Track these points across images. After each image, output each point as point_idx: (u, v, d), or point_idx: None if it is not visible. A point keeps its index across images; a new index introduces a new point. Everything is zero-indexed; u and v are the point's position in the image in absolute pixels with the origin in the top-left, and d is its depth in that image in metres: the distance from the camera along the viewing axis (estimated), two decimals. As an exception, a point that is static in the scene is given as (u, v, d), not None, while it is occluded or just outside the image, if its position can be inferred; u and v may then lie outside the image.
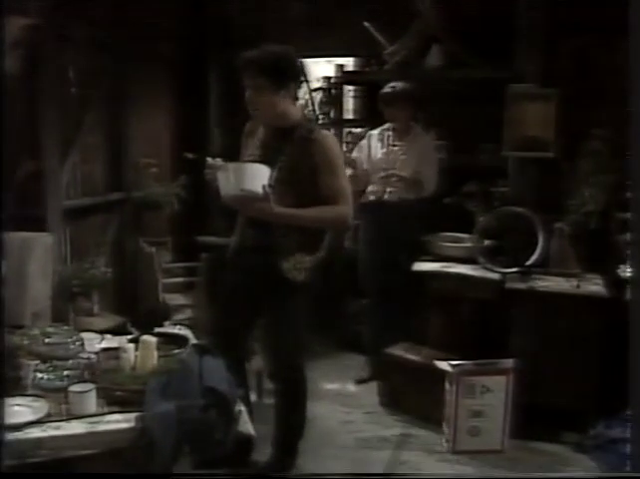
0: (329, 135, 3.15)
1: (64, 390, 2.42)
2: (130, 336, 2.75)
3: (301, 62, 3.12)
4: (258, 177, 2.86)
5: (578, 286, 3.71)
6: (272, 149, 3.07)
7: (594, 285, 3.75)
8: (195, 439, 2.41)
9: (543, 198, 4.08)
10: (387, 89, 4.35)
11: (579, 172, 4.05)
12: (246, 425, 2.57)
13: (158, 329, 2.87)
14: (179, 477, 2.54)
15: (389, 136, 4.45)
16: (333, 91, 5.07)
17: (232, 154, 3.50)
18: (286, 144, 3.04)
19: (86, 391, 2.36)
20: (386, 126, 4.46)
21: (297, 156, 3.01)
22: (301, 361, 3.29)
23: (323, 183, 3.00)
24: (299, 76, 3.09)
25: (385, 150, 4.42)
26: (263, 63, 2.95)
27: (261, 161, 3.00)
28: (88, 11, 4.21)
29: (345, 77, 5.01)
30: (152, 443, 2.28)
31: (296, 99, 3.18)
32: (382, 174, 4.36)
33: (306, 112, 5.07)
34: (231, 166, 2.91)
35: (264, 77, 2.95)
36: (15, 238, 3.72)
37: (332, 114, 5.07)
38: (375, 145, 4.47)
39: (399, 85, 4.34)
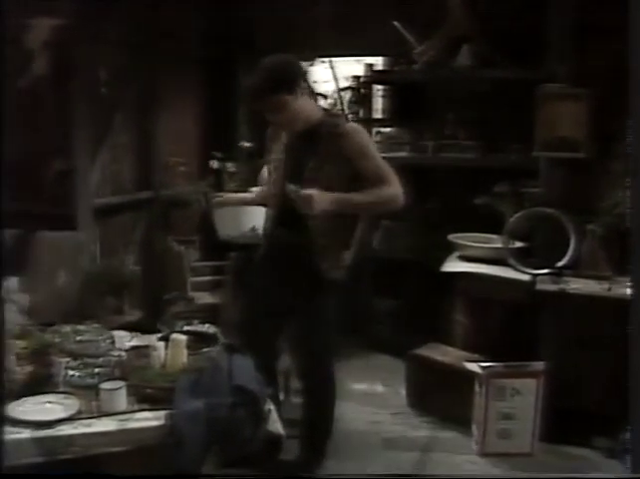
0: (355, 125, 3.12)
1: (94, 388, 2.44)
2: (160, 334, 2.75)
3: (296, 58, 3.09)
4: (253, 219, 2.98)
5: (609, 289, 3.66)
6: (298, 151, 3.07)
7: (626, 288, 3.70)
8: (224, 438, 2.41)
9: (575, 199, 4.03)
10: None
11: (611, 173, 4.00)
12: (275, 424, 2.57)
13: (187, 328, 2.86)
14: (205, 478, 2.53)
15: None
16: (362, 90, 5.04)
17: (261, 153, 3.52)
18: (313, 144, 3.03)
19: (116, 389, 2.38)
20: None
21: (327, 153, 3.00)
22: (331, 361, 3.29)
23: (363, 169, 2.98)
24: (302, 72, 3.06)
25: None
26: (265, 83, 2.94)
27: (289, 164, 3.05)
28: (118, 12, 4.24)
29: (374, 76, 4.99)
30: (181, 441, 2.29)
31: (313, 94, 3.15)
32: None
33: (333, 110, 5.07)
34: (227, 210, 3.07)
35: (271, 94, 2.93)
36: (46, 236, 3.75)
37: (361, 113, 5.05)
38: None
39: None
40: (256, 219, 2.98)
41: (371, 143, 3.16)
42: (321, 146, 3.01)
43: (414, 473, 3.42)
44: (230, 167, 4.95)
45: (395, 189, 2.99)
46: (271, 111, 2.99)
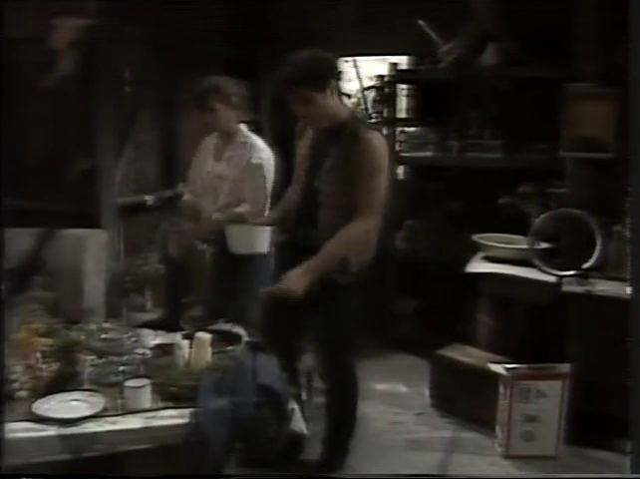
0: (377, 136, 3.08)
1: (119, 385, 2.44)
2: (184, 333, 2.76)
3: (334, 57, 3.08)
4: (263, 238, 3.13)
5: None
6: (321, 148, 3.06)
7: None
8: (248, 437, 2.41)
9: (601, 200, 3.99)
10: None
11: (638, 173, 3.94)
12: (299, 424, 2.56)
13: (211, 327, 2.86)
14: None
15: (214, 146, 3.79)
16: (386, 90, 5.02)
17: (284, 151, 3.51)
18: (334, 143, 3.01)
19: (141, 387, 2.38)
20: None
21: (344, 154, 2.98)
22: (351, 361, 3.28)
23: (359, 185, 2.94)
24: (337, 71, 3.05)
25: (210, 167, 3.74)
26: (298, 74, 2.91)
27: (311, 160, 3.06)
28: (142, 11, 4.25)
29: (399, 75, 4.96)
30: (204, 440, 2.28)
31: (341, 94, 3.13)
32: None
33: (358, 110, 5.06)
34: (241, 228, 3.19)
35: (303, 87, 2.91)
36: (70, 235, 3.78)
37: (385, 113, 5.02)
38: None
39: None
40: (264, 238, 3.11)
41: (383, 163, 3.03)
42: (340, 146, 2.99)
43: (437, 474, 3.41)
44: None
45: (367, 223, 2.96)
46: (298, 104, 2.97)
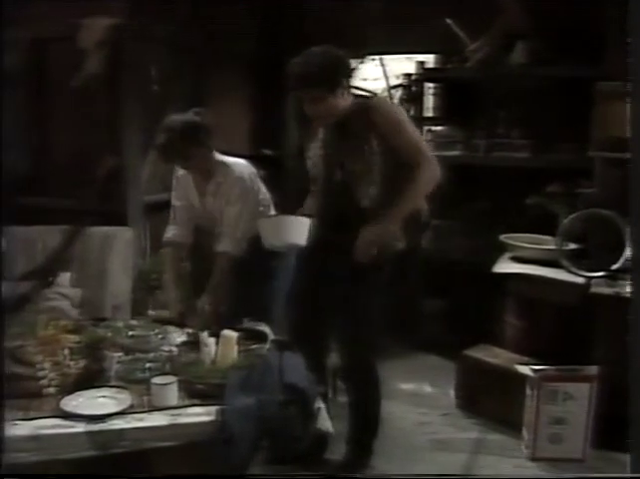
0: (382, 98, 3.08)
1: (146, 382, 2.45)
2: (210, 331, 2.76)
3: (345, 55, 3.02)
4: (301, 229, 2.92)
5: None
6: (335, 143, 3.04)
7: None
8: (274, 435, 2.41)
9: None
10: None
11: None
12: (325, 422, 2.55)
13: (238, 325, 2.86)
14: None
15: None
16: (413, 88, 5.00)
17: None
18: (347, 130, 2.99)
19: (168, 384, 2.39)
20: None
21: (360, 133, 2.96)
22: (373, 362, 3.26)
23: (397, 146, 2.94)
24: (348, 70, 3.02)
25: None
26: (308, 75, 2.89)
27: (327, 160, 3.03)
28: (168, 10, 4.26)
29: (426, 74, 4.94)
30: (231, 437, 2.29)
31: (352, 90, 3.10)
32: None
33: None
34: (273, 220, 3.07)
35: (314, 88, 2.90)
36: (96, 232, 3.80)
37: (412, 111, 5.00)
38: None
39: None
40: (301, 229, 2.95)
41: (402, 114, 3.08)
42: (354, 128, 2.97)
43: (462, 475, 3.39)
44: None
45: (431, 171, 2.96)
46: (309, 103, 2.95)
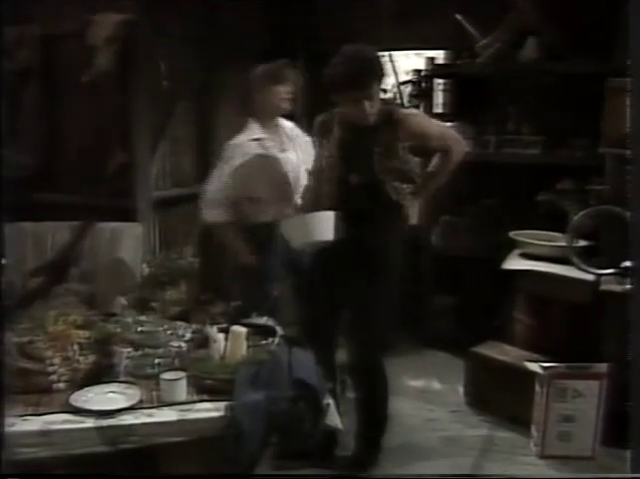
0: (409, 110, 3.13)
1: (155, 378, 2.45)
2: (219, 326, 2.76)
3: (379, 58, 3.04)
4: (326, 224, 2.92)
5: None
6: (355, 145, 3.05)
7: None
8: (283, 431, 2.41)
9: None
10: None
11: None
12: (334, 418, 2.55)
13: (247, 320, 2.86)
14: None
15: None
16: (423, 84, 4.99)
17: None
18: (371, 137, 3.00)
19: (177, 379, 2.39)
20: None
21: (387, 143, 2.99)
22: (381, 359, 3.27)
23: (429, 146, 3.11)
24: (382, 73, 3.02)
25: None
26: (357, 72, 2.89)
27: (345, 160, 3.04)
28: (180, 5, 4.26)
29: (435, 70, 4.93)
30: (240, 433, 2.29)
31: (378, 92, 3.12)
32: None
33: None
34: (298, 219, 3.02)
35: (360, 88, 2.90)
36: (106, 228, 3.80)
37: (421, 107, 4.99)
38: None
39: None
40: (327, 224, 2.93)
41: (426, 119, 3.25)
42: (380, 137, 3.00)
43: (471, 473, 3.38)
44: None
45: (458, 151, 3.11)
46: (354, 102, 2.94)
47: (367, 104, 2.92)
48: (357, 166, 3.03)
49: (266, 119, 3.53)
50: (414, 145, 3.05)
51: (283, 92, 3.49)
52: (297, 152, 3.54)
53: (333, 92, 2.95)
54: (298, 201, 3.44)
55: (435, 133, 3.09)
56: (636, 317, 2.25)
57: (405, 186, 3.05)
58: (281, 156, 3.49)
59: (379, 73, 2.96)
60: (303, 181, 3.44)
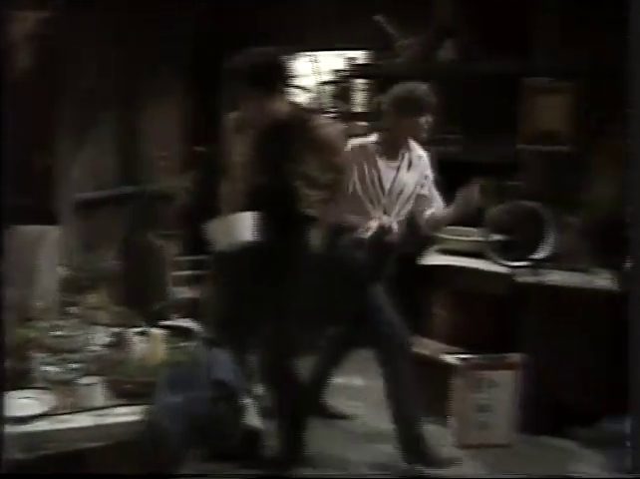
0: (329, 122, 3.17)
1: (72, 383, 2.44)
2: (137, 329, 2.75)
3: (286, 60, 3.11)
4: (245, 225, 2.95)
5: (590, 281, 3.69)
6: (269, 146, 3.06)
7: (604, 280, 3.73)
8: (204, 432, 2.42)
9: (556, 192, 4.04)
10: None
11: (593, 166, 4.02)
12: (254, 419, 2.57)
13: (165, 322, 2.87)
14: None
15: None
16: (344, 84, 5.04)
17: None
18: (285, 138, 3.03)
19: (93, 384, 2.38)
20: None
21: (301, 146, 3.03)
22: (291, 358, 3.30)
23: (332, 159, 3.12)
24: (286, 74, 3.07)
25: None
26: (252, 72, 2.94)
27: (259, 160, 3.05)
28: (102, 4, 4.22)
29: (356, 70, 4.98)
30: (160, 435, 2.29)
31: (288, 93, 3.15)
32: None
33: (316, 104, 5.07)
34: (219, 221, 3.02)
35: (254, 86, 2.94)
36: (25, 231, 3.74)
37: (342, 107, 5.04)
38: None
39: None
40: (247, 224, 2.96)
41: (340, 138, 3.26)
42: (295, 140, 3.03)
43: (391, 465, 3.43)
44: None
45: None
46: (244, 102, 3.00)
47: (267, 104, 2.95)
48: (266, 167, 3.06)
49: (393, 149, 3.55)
50: (321, 154, 3.08)
51: (424, 122, 3.51)
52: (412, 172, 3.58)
53: (228, 86, 3.01)
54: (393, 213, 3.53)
55: (341, 150, 3.18)
56: (635, 317, 2.32)
57: (314, 192, 3.08)
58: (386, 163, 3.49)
59: (281, 75, 3.00)
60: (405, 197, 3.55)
